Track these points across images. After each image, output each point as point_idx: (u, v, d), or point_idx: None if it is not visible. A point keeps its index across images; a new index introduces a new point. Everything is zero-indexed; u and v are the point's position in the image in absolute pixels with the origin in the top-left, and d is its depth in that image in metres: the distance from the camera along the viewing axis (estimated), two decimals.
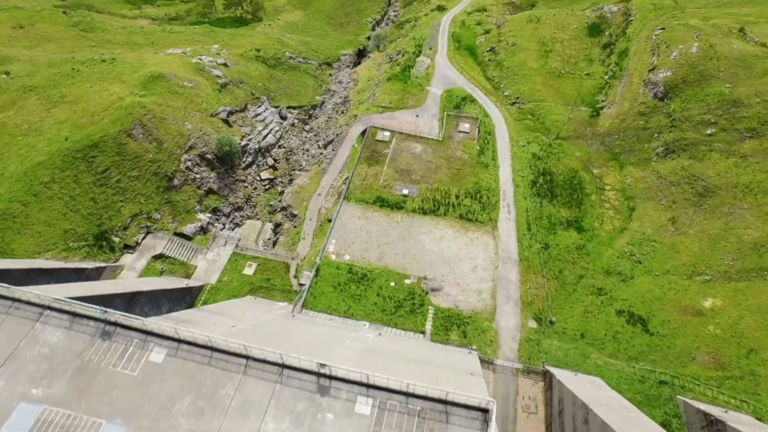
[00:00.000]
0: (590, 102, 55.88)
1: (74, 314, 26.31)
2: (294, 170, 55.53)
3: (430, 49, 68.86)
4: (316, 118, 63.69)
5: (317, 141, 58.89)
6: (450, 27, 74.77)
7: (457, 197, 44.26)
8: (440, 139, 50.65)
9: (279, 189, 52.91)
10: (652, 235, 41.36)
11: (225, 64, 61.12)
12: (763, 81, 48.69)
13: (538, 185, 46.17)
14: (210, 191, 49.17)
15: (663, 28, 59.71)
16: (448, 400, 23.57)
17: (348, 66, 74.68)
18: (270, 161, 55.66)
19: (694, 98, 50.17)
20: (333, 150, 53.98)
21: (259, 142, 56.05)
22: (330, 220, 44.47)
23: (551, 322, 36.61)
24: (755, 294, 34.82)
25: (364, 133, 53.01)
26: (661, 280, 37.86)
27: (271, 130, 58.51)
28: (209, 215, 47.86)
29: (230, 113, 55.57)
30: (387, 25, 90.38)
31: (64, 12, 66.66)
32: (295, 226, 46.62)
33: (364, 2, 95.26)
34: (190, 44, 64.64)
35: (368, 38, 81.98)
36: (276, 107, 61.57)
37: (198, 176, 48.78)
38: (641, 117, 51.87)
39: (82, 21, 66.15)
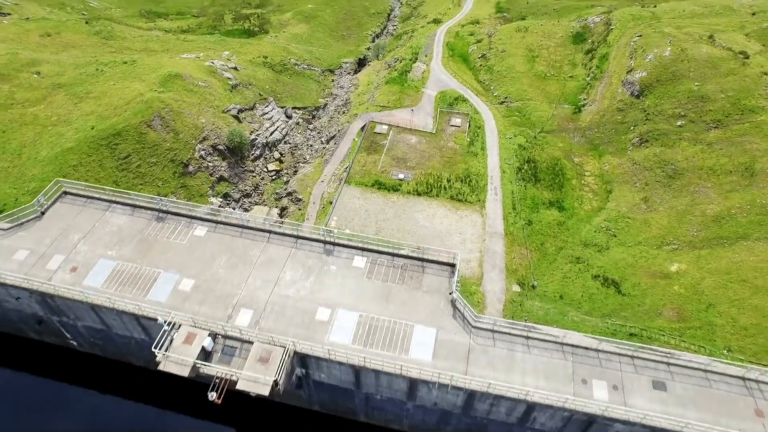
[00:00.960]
0: (573, 101, 61.26)
1: (134, 206, 38.46)
2: (299, 163, 60.48)
3: (426, 56, 74.75)
4: (319, 118, 69.07)
5: (320, 137, 64.07)
6: (445, 37, 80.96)
7: (448, 181, 48.97)
8: (434, 132, 55.75)
9: (285, 179, 57.78)
10: (626, 212, 45.85)
11: (235, 68, 66.90)
12: (728, 79, 54.01)
13: (523, 171, 50.95)
14: (221, 178, 53.98)
15: (640, 36, 65.54)
16: (424, 257, 34.08)
17: (349, 73, 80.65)
18: (276, 155, 60.72)
19: (666, 95, 55.42)
20: (335, 144, 59.02)
21: (266, 137, 61.21)
22: (332, 203, 49.11)
23: (533, 287, 40.73)
24: (715, 259, 39.07)
25: (363, 128, 58.15)
26: (633, 250, 42.16)
27: (277, 127, 63.76)
28: (221, 200, 52.58)
29: (240, 111, 60.94)
30: (386, 37, 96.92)
31: (86, 22, 73.08)
32: (299, 209, 51.17)
33: (364, 17, 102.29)
34: (203, 51, 70.63)
35: (368, 49, 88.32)
36: (282, 107, 67.03)
37: (210, 164, 53.70)
38: (619, 113, 57.04)
39: (103, 30, 72.40)
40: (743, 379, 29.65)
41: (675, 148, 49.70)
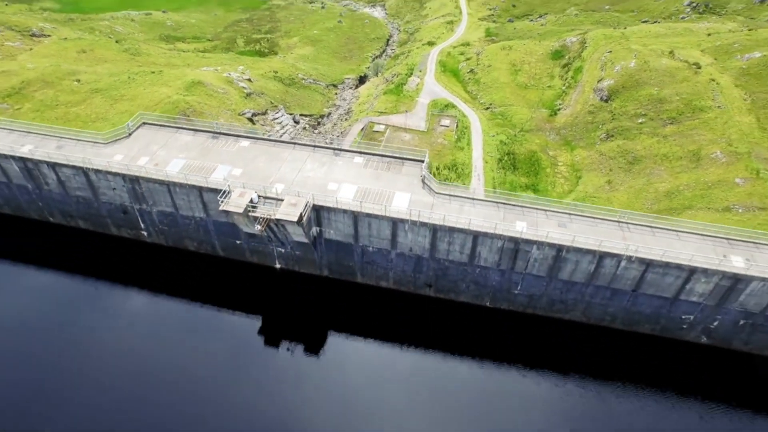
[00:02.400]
0: (550, 106, 70.06)
1: (195, 129, 54.65)
2: None
3: (420, 71, 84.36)
4: (324, 125, 77.88)
5: (324, 139, 72.60)
6: (437, 56, 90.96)
7: (437, 169, 56.82)
8: (425, 131, 64.15)
9: None
10: (592, 193, 53.48)
11: (249, 80, 76.33)
12: (682, 85, 62.85)
13: (503, 162, 58.95)
14: None
15: (610, 51, 75.07)
16: (404, 156, 51.05)
17: (351, 87, 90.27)
18: None
19: (630, 99, 64.16)
20: (338, 142, 67.52)
21: (277, 138, 69.70)
22: None
23: None
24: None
25: (363, 128, 66.68)
26: None
27: (286, 130, 72.44)
28: None
29: (254, 114, 69.74)
30: (385, 59, 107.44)
31: (116, 41, 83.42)
32: None
33: (365, 42, 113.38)
34: (220, 65, 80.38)
35: (368, 68, 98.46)
36: (291, 114, 75.97)
37: None
38: (590, 114, 65.63)
39: (131, 48, 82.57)
40: (618, 222, 44.53)
41: (635, 141, 57.94)
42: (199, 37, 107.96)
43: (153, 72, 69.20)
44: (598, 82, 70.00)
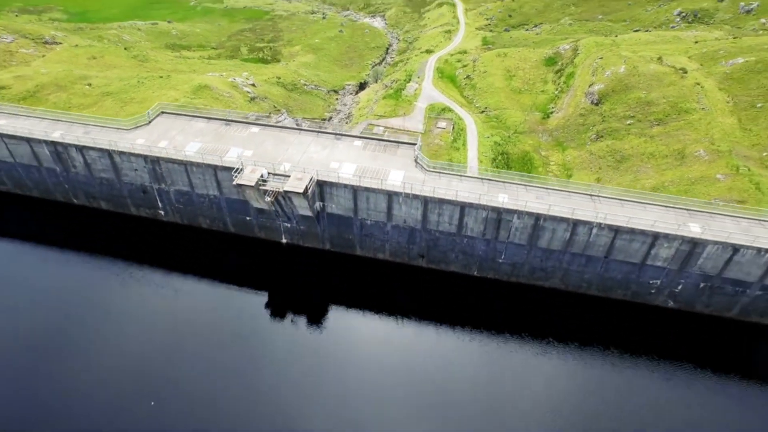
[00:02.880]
0: (543, 109, 73.22)
1: (209, 118, 59.58)
2: None
3: (419, 78, 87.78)
4: (326, 128, 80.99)
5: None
6: (435, 63, 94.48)
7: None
8: (423, 132, 67.19)
9: None
10: None
11: (253, 85, 79.70)
12: (669, 89, 66.03)
13: (497, 161, 61.83)
14: None
15: (601, 58, 78.49)
16: (399, 140, 56.40)
17: (351, 93, 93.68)
18: None
19: (619, 102, 67.33)
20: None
21: None
22: None
23: None
24: None
25: (363, 131, 69.78)
26: None
27: None
28: None
29: (258, 117, 72.84)
30: (384, 67, 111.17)
31: (125, 48, 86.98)
32: None
33: (365, 50, 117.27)
34: (225, 71, 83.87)
35: (368, 75, 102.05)
36: (293, 117, 79.16)
37: None
38: (581, 117, 68.72)
39: (139, 54, 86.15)
40: (590, 195, 49.20)
41: (624, 141, 60.90)
42: (203, 46, 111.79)
43: (161, 77, 72.53)
44: (590, 86, 73.26)
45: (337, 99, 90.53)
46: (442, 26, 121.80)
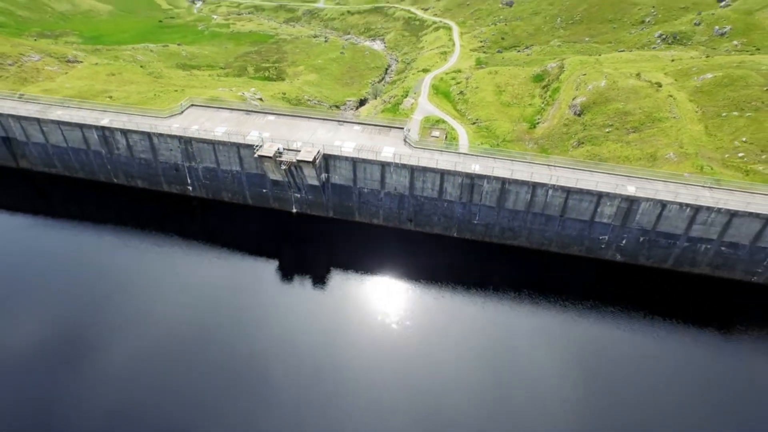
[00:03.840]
0: (530, 120, 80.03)
1: (232, 108, 72.94)
2: None
3: (415, 93, 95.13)
4: None
5: None
6: (431, 81, 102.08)
7: None
8: (418, 140, 73.76)
9: None
10: None
11: (260, 99, 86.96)
12: (644, 101, 72.92)
13: None
14: None
15: (585, 74, 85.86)
16: (392, 125, 69.61)
17: (352, 108, 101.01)
18: None
19: (599, 112, 74.14)
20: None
21: None
22: None
23: None
24: None
25: None
26: None
27: None
28: None
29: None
30: (384, 85, 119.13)
31: (141, 66, 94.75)
32: None
33: (365, 70, 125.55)
34: (234, 86, 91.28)
35: (368, 92, 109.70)
36: None
37: None
38: (564, 126, 75.42)
39: (154, 71, 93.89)
40: (547, 165, 60.18)
41: (602, 146, 67.34)
42: (212, 66, 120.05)
43: (175, 90, 79.78)
44: (573, 99, 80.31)
45: (338, 113, 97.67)
46: (439, 48, 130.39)
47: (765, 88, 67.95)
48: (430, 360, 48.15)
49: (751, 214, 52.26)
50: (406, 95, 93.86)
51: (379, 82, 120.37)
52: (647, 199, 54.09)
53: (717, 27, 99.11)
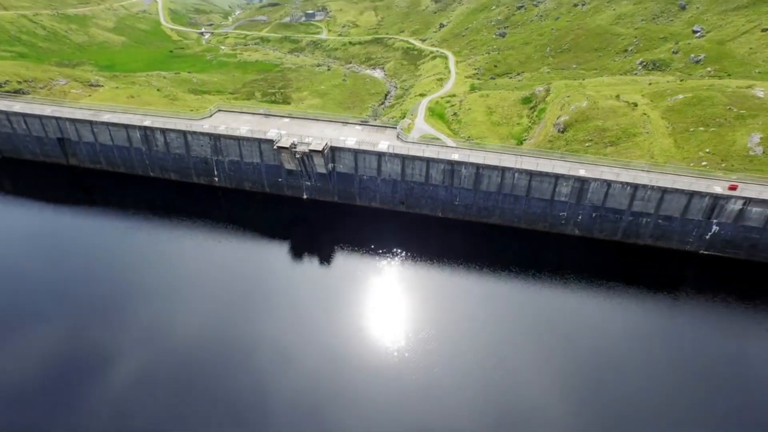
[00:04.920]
0: (518, 137, 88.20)
1: (253, 113, 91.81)
2: None
3: (412, 115, 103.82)
4: None
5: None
6: (427, 104, 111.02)
7: None
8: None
9: None
10: None
11: None
12: (621, 119, 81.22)
13: None
14: None
15: (569, 96, 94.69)
16: (386, 125, 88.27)
17: None
18: None
19: (581, 129, 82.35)
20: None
21: None
22: None
23: None
24: None
25: None
26: None
27: None
28: None
29: None
30: (383, 108, 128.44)
31: (158, 89, 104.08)
32: None
33: (366, 96, 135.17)
34: (244, 106, 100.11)
35: (369, 114, 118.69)
36: None
37: None
38: (549, 142, 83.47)
39: (170, 94, 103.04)
40: (514, 154, 74.52)
41: (582, 158, 75.09)
42: (221, 91, 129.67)
43: (191, 110, 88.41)
44: (557, 118, 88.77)
45: None
46: (435, 75, 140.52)
47: (727, 107, 76.32)
48: (413, 316, 61.96)
49: (677, 190, 65.36)
50: (404, 116, 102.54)
51: (379, 106, 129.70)
52: (595, 179, 67.58)
53: (693, 55, 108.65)
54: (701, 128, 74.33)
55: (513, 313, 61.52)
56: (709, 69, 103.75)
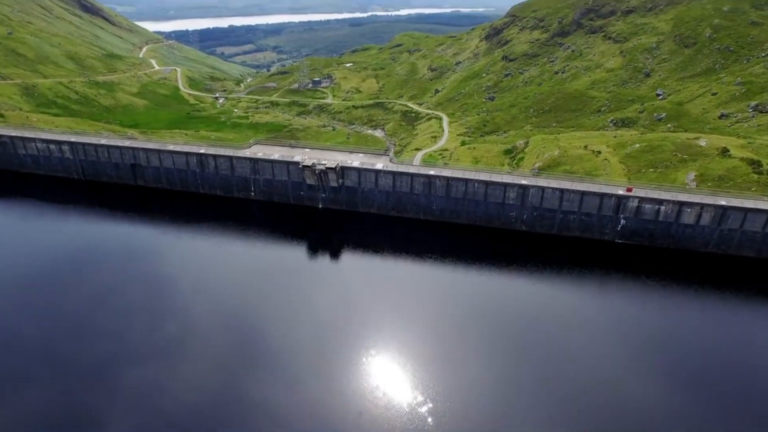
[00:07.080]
0: None
1: (282, 145, 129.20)
2: None
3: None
4: None
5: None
6: (422, 157, 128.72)
7: None
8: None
9: None
10: None
11: None
12: (586, 163, 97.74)
13: None
14: None
15: (544, 147, 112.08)
16: (383, 153, 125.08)
17: None
18: None
19: (552, 172, 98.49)
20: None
21: None
22: None
23: None
24: None
25: None
26: None
27: None
28: None
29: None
30: None
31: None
32: None
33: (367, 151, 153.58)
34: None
35: None
36: None
37: None
38: None
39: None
40: (476, 171, 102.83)
41: None
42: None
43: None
44: (533, 165, 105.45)
45: None
46: (430, 133, 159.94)
47: (674, 153, 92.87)
48: (402, 297, 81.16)
49: (592, 192, 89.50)
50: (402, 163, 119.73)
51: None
52: (533, 186, 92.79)
53: (656, 114, 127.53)
54: (651, 169, 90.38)
55: (472, 295, 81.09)
56: (669, 125, 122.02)
